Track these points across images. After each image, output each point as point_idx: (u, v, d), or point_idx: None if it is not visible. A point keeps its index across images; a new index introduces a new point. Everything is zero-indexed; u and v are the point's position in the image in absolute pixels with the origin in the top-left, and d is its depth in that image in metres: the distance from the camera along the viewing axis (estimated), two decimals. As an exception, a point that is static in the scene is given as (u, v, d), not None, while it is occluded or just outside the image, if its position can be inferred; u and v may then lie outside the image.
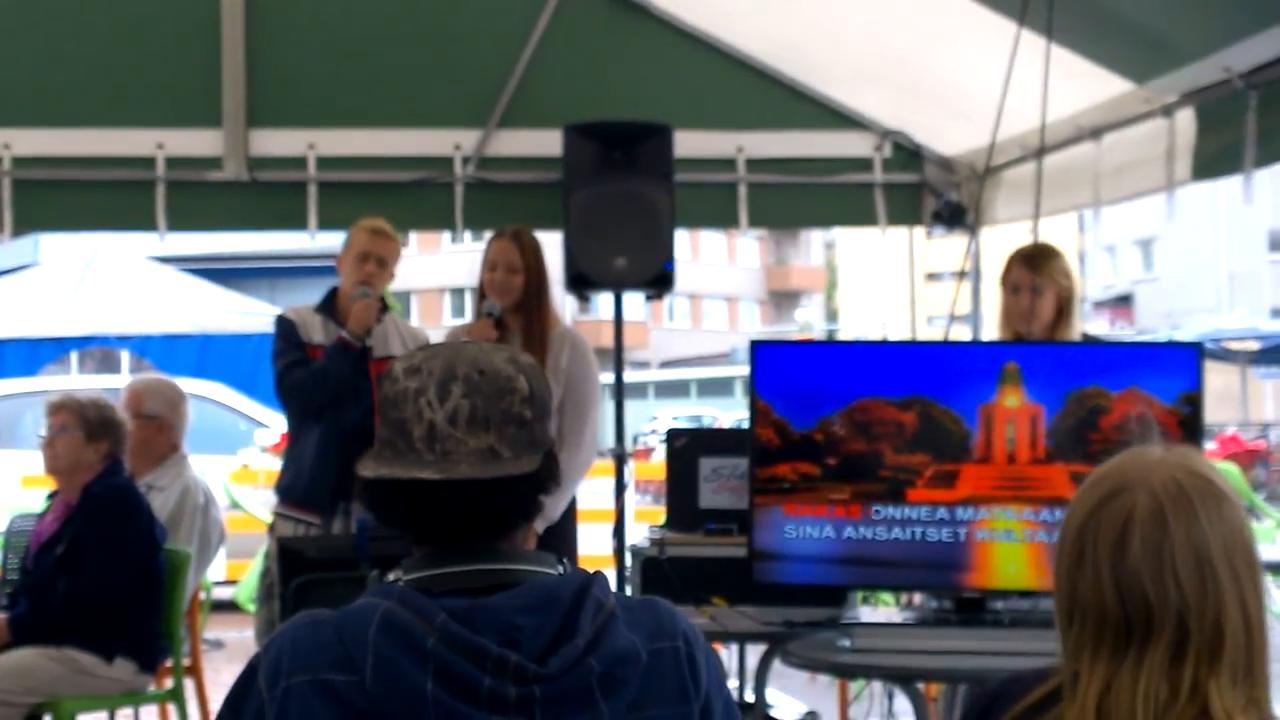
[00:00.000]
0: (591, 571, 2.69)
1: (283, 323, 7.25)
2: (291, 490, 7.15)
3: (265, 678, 2.55)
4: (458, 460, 2.60)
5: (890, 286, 61.18)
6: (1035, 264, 6.60)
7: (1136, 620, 2.42)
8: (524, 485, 2.66)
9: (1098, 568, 2.46)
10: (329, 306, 7.24)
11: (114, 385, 8.52)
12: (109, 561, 6.83)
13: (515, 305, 7.14)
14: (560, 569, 2.68)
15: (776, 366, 5.49)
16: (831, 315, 79.26)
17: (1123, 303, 60.03)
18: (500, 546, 2.67)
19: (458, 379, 2.63)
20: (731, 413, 43.55)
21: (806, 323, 75.80)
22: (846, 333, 69.72)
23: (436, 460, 2.60)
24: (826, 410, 5.41)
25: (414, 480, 2.60)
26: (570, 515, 7.14)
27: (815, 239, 79.96)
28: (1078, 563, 2.49)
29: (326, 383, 7.01)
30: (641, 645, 2.62)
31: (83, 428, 7.07)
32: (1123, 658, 2.44)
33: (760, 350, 5.53)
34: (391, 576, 2.67)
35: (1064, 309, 6.60)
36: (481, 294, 7.21)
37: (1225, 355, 29.72)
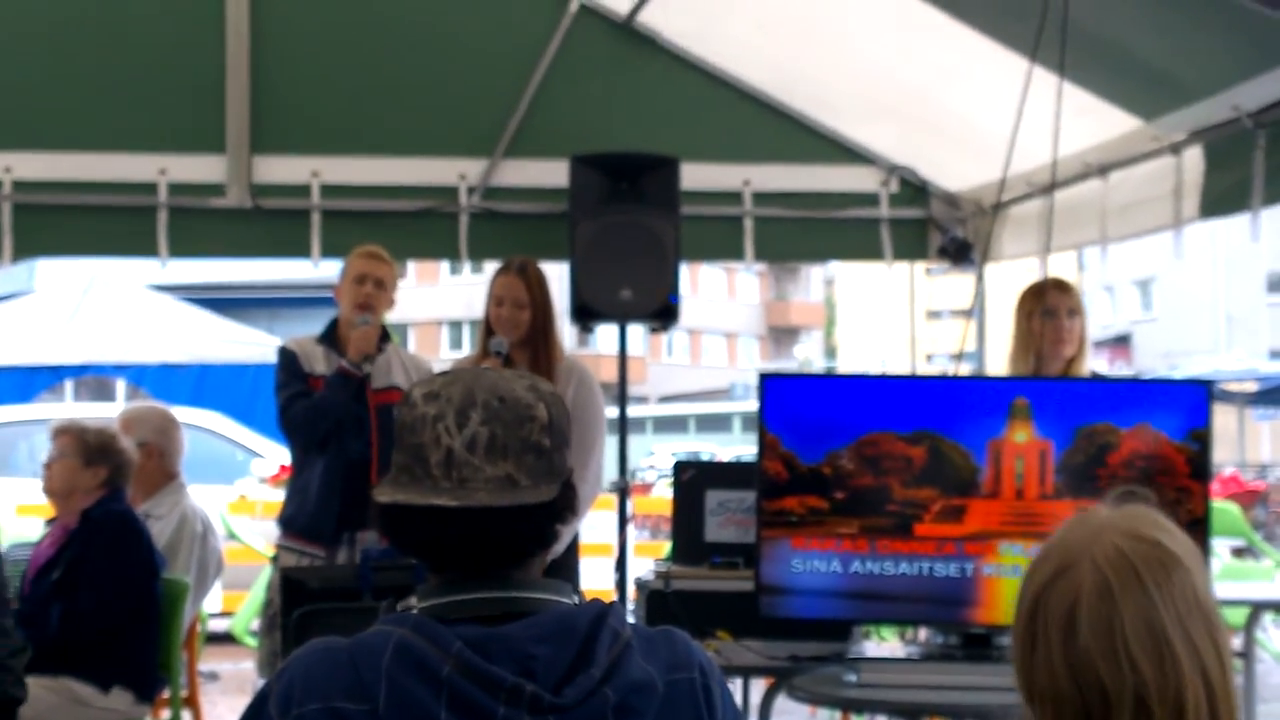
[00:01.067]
0: (608, 602, 2.65)
1: (284, 354, 7.22)
2: (294, 522, 7.12)
3: (277, 706, 2.52)
4: (475, 488, 2.57)
5: (889, 323, 61.38)
6: (1068, 289, 6.62)
7: (1094, 704, 2.33)
8: (541, 514, 2.63)
9: (1049, 651, 2.37)
10: (330, 337, 7.22)
11: (109, 414, 8.48)
12: (106, 586, 6.79)
13: (522, 340, 7.10)
14: (576, 598, 2.65)
15: (785, 399, 5.46)
16: (830, 352, 79.38)
17: (1121, 343, 60.11)
18: (515, 575, 2.64)
19: (477, 405, 2.61)
20: (729, 448, 43.56)
21: (805, 359, 75.84)
22: (845, 370, 69.68)
23: (454, 487, 2.57)
24: (835, 444, 5.38)
25: (430, 507, 2.57)
26: (573, 549, 7.11)
27: (815, 275, 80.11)
28: (1031, 647, 2.40)
29: (328, 414, 6.98)
30: (658, 676, 2.59)
31: (81, 453, 7.05)
32: None
33: (769, 383, 5.50)
34: (405, 605, 2.64)
35: (1080, 345, 6.60)
36: (488, 329, 7.17)
37: (1223, 396, 29.72)
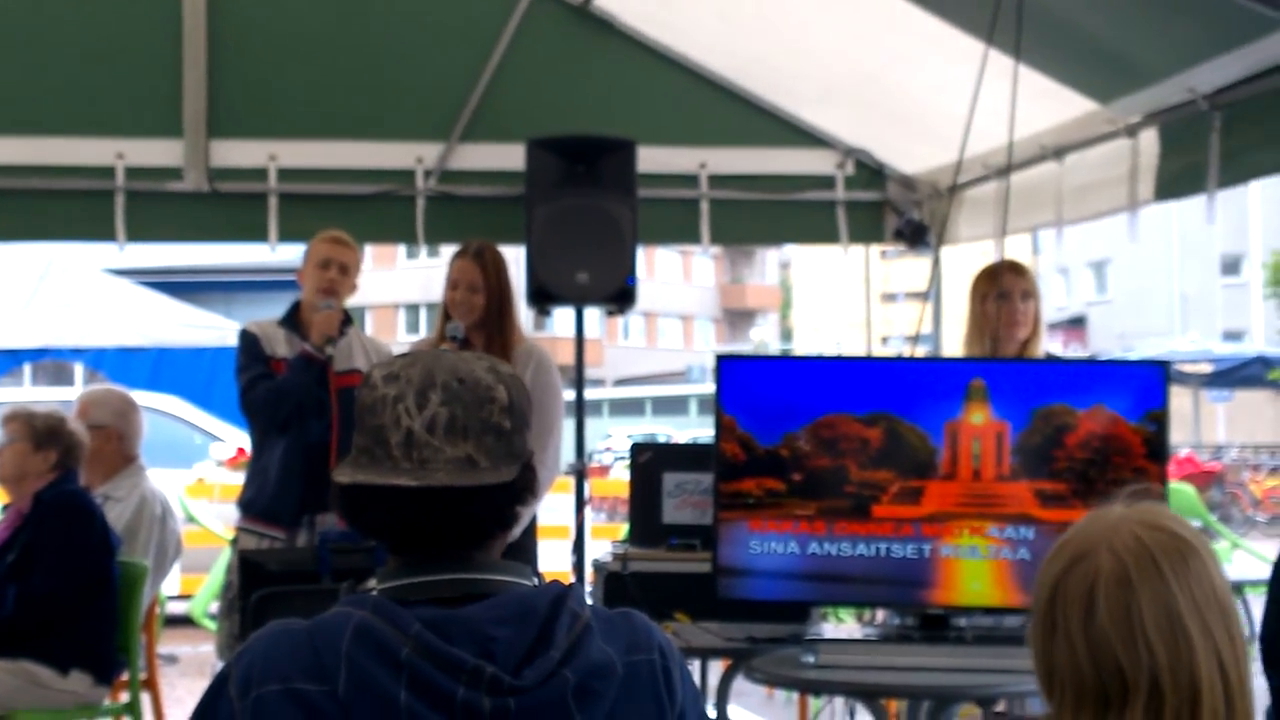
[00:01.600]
0: (567, 584, 2.66)
1: (246, 337, 7.21)
2: (254, 504, 7.10)
3: (237, 687, 2.52)
4: (435, 468, 2.57)
5: (845, 306, 61.45)
6: (1022, 271, 6.65)
7: (1112, 685, 2.38)
8: (501, 495, 2.63)
9: (1069, 636, 2.42)
10: (292, 320, 7.21)
11: (67, 398, 8.46)
12: (60, 566, 6.80)
13: (478, 323, 7.11)
14: (535, 580, 2.66)
15: (742, 381, 5.48)
16: (786, 334, 79.47)
17: (1076, 325, 60.32)
18: (475, 556, 2.64)
19: (436, 386, 2.61)
20: (686, 431, 43.58)
21: (761, 342, 75.91)
22: (801, 352, 69.75)
23: (414, 468, 2.57)
24: (792, 426, 5.40)
25: (390, 487, 2.57)
26: (530, 531, 7.11)
27: (770, 258, 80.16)
28: (1050, 633, 2.45)
29: (289, 397, 6.98)
30: (617, 658, 2.60)
31: (30, 437, 7.07)
32: None
33: (726, 365, 5.52)
34: (365, 586, 2.65)
35: (1035, 327, 6.63)
36: (445, 313, 7.18)
37: (1178, 378, 29.84)
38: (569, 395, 7.78)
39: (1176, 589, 2.39)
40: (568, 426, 7.43)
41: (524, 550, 6.93)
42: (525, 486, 2.67)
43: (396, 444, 2.59)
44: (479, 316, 7.09)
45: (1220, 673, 2.38)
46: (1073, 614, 2.43)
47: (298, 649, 2.52)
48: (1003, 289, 6.60)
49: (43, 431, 7.09)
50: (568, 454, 7.92)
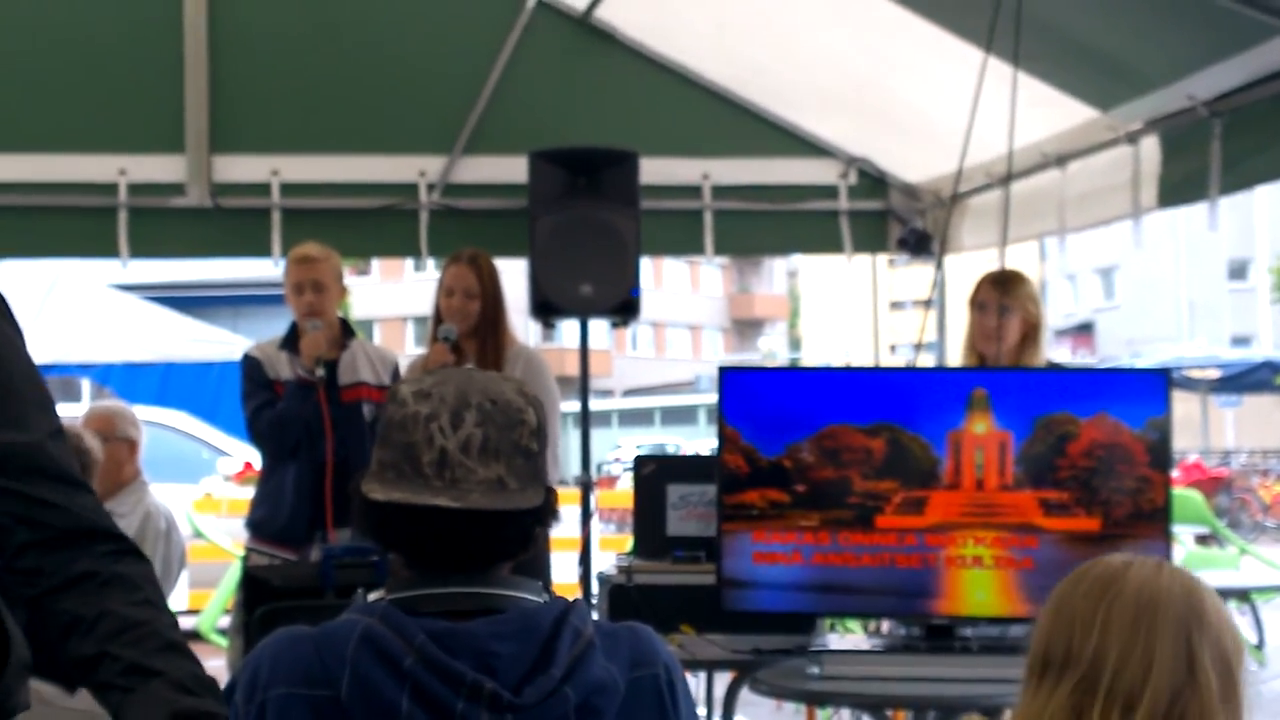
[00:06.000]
0: (570, 600, 2.67)
1: (248, 362, 7.24)
2: (265, 526, 7.12)
3: (243, 692, 2.57)
4: (468, 489, 2.59)
5: (853, 315, 61.37)
6: (1004, 286, 6.63)
7: (1055, 656, 2.44)
8: (529, 518, 2.68)
9: (1050, 603, 2.50)
10: (292, 341, 7.22)
11: (74, 414, 8.46)
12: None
13: (472, 330, 7.15)
14: (546, 596, 2.67)
15: (745, 392, 5.47)
16: (794, 344, 79.38)
17: (1084, 331, 60.26)
18: (490, 571, 2.67)
19: (471, 407, 2.63)
20: (695, 441, 43.52)
21: (770, 351, 75.84)
22: (809, 361, 69.69)
23: (445, 487, 2.59)
24: (795, 437, 5.39)
25: (429, 507, 2.58)
26: (544, 543, 7.10)
27: (778, 267, 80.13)
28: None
29: (292, 424, 7.02)
30: (620, 675, 2.61)
31: None
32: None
33: (728, 376, 5.51)
34: (374, 596, 2.66)
35: (1030, 335, 6.61)
36: (438, 319, 7.22)
37: (1186, 383, 29.78)
38: (574, 407, 7.77)
39: (1165, 612, 2.39)
40: (574, 438, 7.42)
41: (537, 563, 6.92)
42: (549, 510, 2.71)
43: (429, 462, 2.60)
44: (474, 322, 7.14)
45: (1170, 702, 2.37)
46: (1061, 586, 2.49)
47: (303, 654, 2.55)
48: (978, 300, 6.61)
49: None
50: (575, 466, 7.92)
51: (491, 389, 2.66)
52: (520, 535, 2.68)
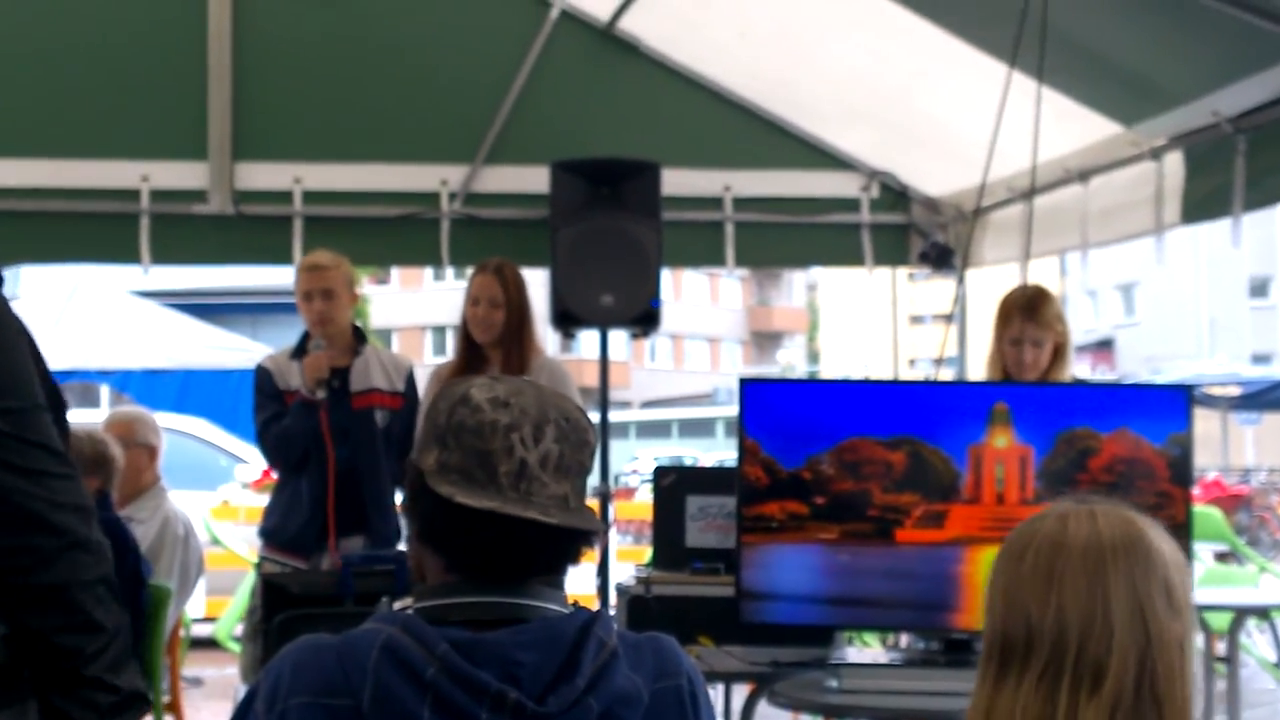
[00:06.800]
0: (595, 610, 2.66)
1: (260, 374, 7.24)
2: (277, 534, 7.13)
3: (264, 701, 2.55)
4: (540, 503, 2.60)
5: (872, 329, 61.38)
6: (1036, 314, 6.54)
7: (1017, 641, 2.37)
8: (583, 538, 2.69)
9: (993, 586, 2.45)
10: (303, 350, 7.21)
11: (93, 420, 8.46)
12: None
13: (496, 340, 7.13)
14: (570, 607, 2.66)
15: (765, 404, 5.46)
16: (813, 357, 79.34)
17: (1104, 347, 60.15)
18: (524, 582, 2.66)
19: (550, 422, 2.63)
20: (713, 453, 43.52)
21: (788, 364, 75.81)
22: (828, 374, 69.63)
23: (519, 499, 2.58)
24: (815, 449, 5.37)
25: (508, 516, 2.57)
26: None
27: (797, 280, 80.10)
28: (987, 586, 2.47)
29: (295, 442, 7.05)
30: (644, 685, 2.60)
31: (79, 466, 6.99)
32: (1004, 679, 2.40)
33: (749, 388, 5.50)
34: (400, 604, 2.65)
35: (1059, 353, 6.58)
36: (465, 330, 7.20)
37: (1206, 401, 29.69)
38: (593, 418, 7.75)
39: (1114, 568, 2.36)
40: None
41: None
42: (597, 529, 2.72)
43: (506, 473, 2.59)
44: (500, 332, 7.12)
45: (1138, 664, 2.33)
46: (1001, 565, 2.44)
47: (325, 664, 2.53)
48: (1013, 335, 6.55)
49: (90, 459, 7.02)
50: (593, 477, 7.90)
51: (564, 406, 2.67)
52: (573, 551, 2.69)
